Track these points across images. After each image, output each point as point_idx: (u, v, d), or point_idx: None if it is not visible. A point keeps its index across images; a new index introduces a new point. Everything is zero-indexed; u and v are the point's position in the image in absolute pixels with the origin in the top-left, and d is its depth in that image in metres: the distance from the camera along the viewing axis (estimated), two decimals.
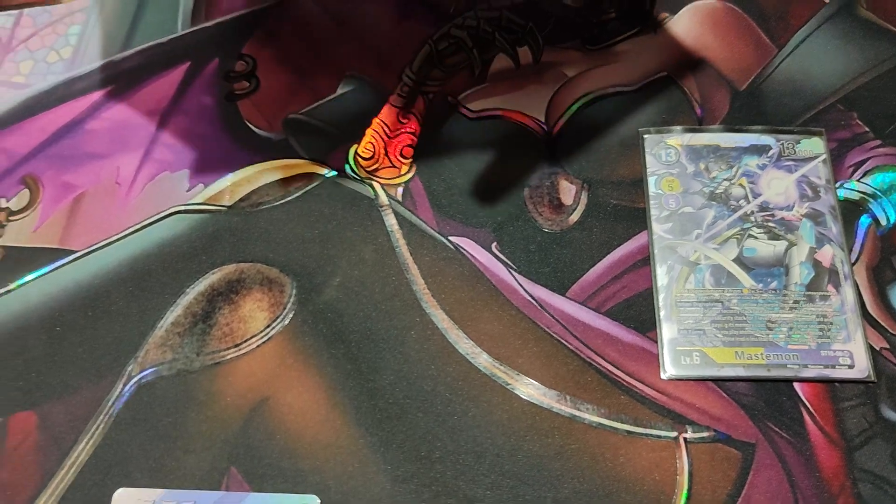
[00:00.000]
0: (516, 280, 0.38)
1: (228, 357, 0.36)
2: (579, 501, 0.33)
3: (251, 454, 0.34)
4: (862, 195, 0.39)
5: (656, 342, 0.36)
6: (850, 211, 0.38)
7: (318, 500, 0.33)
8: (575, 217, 0.39)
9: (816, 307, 0.36)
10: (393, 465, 0.34)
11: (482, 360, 0.36)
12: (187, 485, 0.34)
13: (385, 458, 0.34)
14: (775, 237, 0.38)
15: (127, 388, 0.36)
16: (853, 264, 0.37)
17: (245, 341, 0.36)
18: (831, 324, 0.36)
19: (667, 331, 0.36)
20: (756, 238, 0.38)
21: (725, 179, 0.39)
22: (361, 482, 0.34)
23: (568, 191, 0.40)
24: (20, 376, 0.36)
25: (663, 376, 0.35)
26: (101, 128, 0.42)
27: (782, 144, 0.40)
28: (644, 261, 0.38)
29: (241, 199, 0.39)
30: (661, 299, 0.37)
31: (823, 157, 0.39)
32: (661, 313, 0.37)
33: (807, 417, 0.34)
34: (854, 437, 0.34)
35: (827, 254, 0.37)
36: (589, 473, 0.34)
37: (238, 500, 0.33)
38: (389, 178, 0.40)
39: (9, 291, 0.38)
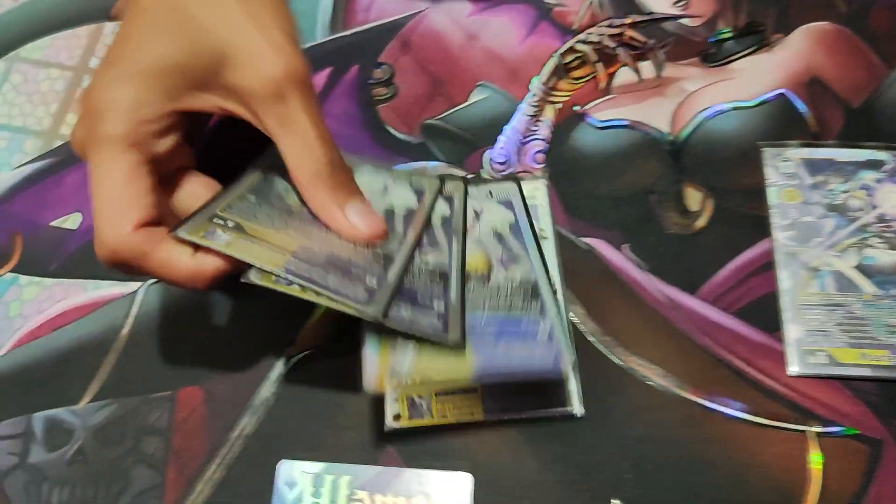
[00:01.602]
0: (648, 280, 0.40)
1: None
2: (714, 489, 0.35)
3: (405, 433, 0.36)
4: None
5: (782, 342, 0.39)
6: None
7: (471, 478, 0.36)
8: (701, 222, 0.41)
9: None
10: (539, 446, 0.36)
11: (618, 352, 0.38)
12: (346, 460, 0.36)
13: (531, 439, 0.36)
14: (894, 247, 0.40)
15: (287, 367, 0.38)
16: None
17: None
18: None
19: (792, 331, 0.38)
20: (875, 248, 0.40)
21: (843, 192, 0.41)
22: (511, 461, 0.36)
23: (693, 197, 0.42)
24: (187, 354, 0.39)
25: (790, 373, 0.38)
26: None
27: None
28: (767, 265, 0.40)
29: None
30: (785, 302, 0.39)
31: None
32: (786, 315, 0.39)
33: None
34: None
35: None
36: (722, 463, 0.36)
37: (393, 475, 0.36)
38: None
39: None
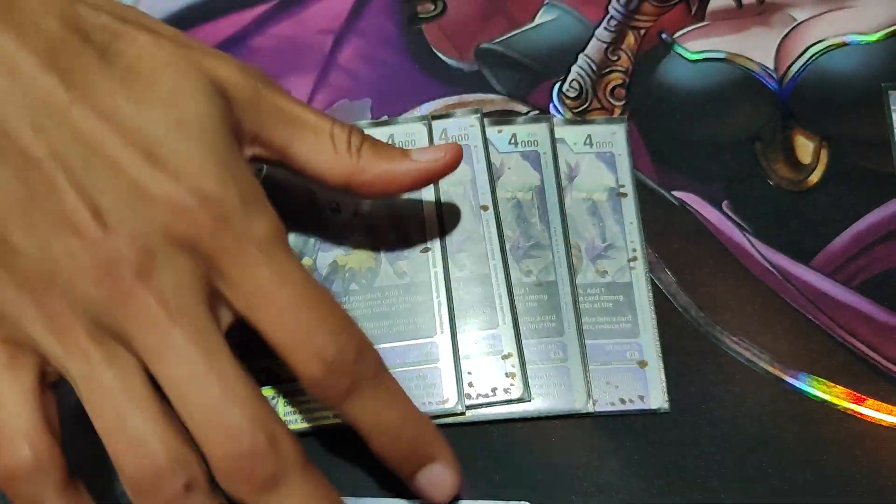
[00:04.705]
0: (752, 244, 0.33)
1: None
2: (831, 496, 0.29)
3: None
4: None
5: None
6: None
7: None
8: (815, 178, 0.34)
9: None
10: (610, 453, 0.29)
11: (715, 331, 0.32)
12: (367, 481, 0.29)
13: (601, 445, 0.30)
14: None
15: None
16: None
17: None
18: None
19: None
20: None
21: None
22: (577, 476, 0.29)
23: (805, 148, 0.35)
24: None
25: None
26: (267, 46, 0.37)
27: None
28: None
29: None
30: None
31: None
32: None
33: None
34: None
35: None
36: (844, 466, 0.30)
37: None
38: None
39: None
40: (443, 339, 0.30)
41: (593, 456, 0.30)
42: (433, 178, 0.29)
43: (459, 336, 0.31)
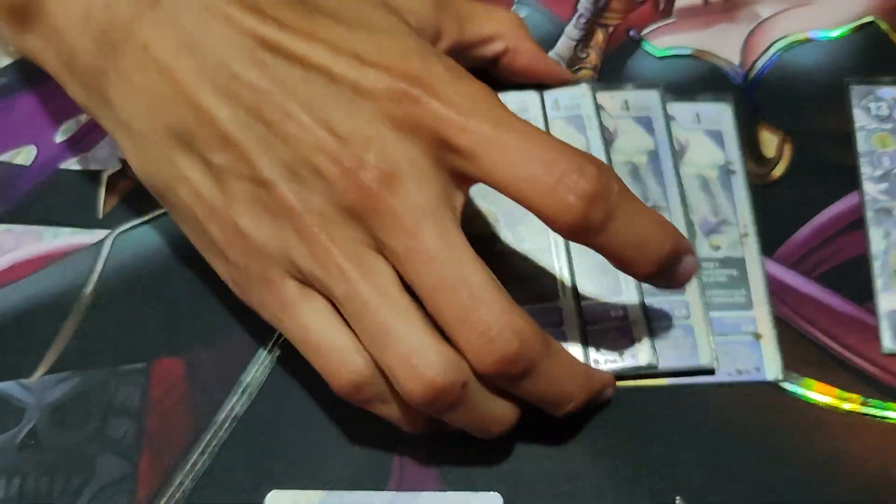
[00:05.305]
0: None
1: None
2: (795, 485, 0.30)
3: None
4: None
5: (874, 314, 0.33)
6: None
7: (501, 498, 0.30)
8: (779, 171, 0.35)
9: None
10: (581, 444, 0.30)
11: None
12: (355, 453, 0.30)
13: (570, 439, 0.30)
14: None
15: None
16: None
17: None
18: None
19: (885, 302, 0.33)
20: None
21: None
22: (549, 467, 0.30)
23: (769, 142, 0.36)
24: (165, 317, 0.33)
25: (884, 351, 0.32)
26: None
27: None
28: (856, 223, 0.34)
29: None
30: (878, 267, 0.33)
31: None
32: (879, 282, 0.33)
33: None
34: None
35: None
36: (807, 455, 0.30)
37: (408, 501, 0.29)
38: None
39: (144, 223, 0.35)
40: (566, 303, 0.31)
41: (563, 449, 0.31)
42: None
43: (582, 303, 0.31)
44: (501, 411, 0.27)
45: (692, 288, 0.32)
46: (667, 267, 0.26)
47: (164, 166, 0.26)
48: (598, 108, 0.34)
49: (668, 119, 0.33)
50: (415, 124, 0.24)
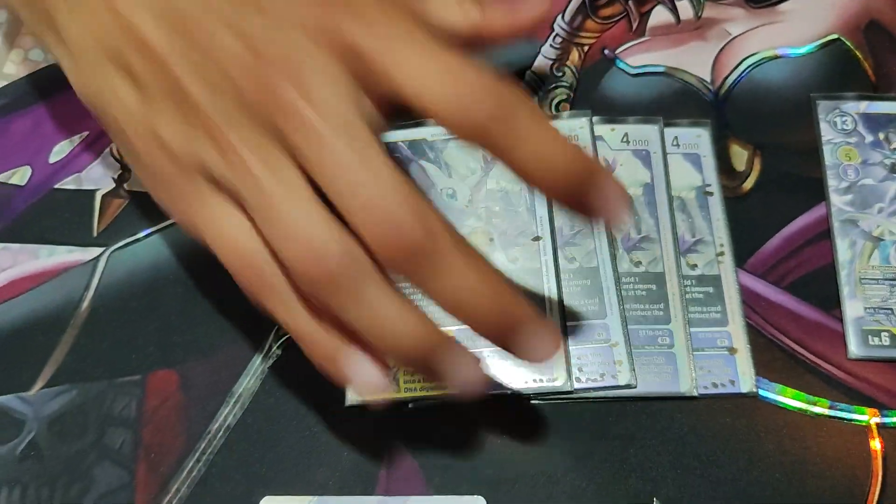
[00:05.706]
0: None
1: None
2: (766, 486, 0.31)
3: (369, 411, 0.31)
4: None
5: (840, 321, 0.34)
6: None
7: (484, 501, 0.31)
8: (749, 184, 0.37)
9: None
10: (559, 448, 0.32)
11: None
12: (344, 459, 0.31)
13: (549, 443, 0.32)
14: None
15: (277, 346, 0.33)
16: None
17: None
18: None
19: (851, 309, 0.34)
20: None
21: None
22: (529, 471, 0.31)
23: (740, 156, 0.37)
24: (159, 331, 0.34)
25: (850, 356, 0.33)
26: None
27: None
28: (824, 234, 0.36)
29: None
30: (844, 276, 0.35)
31: None
32: (845, 290, 0.34)
33: None
34: None
35: None
36: (776, 457, 0.32)
37: None
38: None
39: (137, 241, 0.36)
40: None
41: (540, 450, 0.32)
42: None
43: (568, 323, 0.33)
44: (398, 315, 0.25)
45: (677, 318, 0.33)
46: (577, 188, 0.25)
47: (99, 83, 0.27)
48: (596, 139, 0.35)
49: (666, 154, 0.35)
50: (331, 36, 0.25)
